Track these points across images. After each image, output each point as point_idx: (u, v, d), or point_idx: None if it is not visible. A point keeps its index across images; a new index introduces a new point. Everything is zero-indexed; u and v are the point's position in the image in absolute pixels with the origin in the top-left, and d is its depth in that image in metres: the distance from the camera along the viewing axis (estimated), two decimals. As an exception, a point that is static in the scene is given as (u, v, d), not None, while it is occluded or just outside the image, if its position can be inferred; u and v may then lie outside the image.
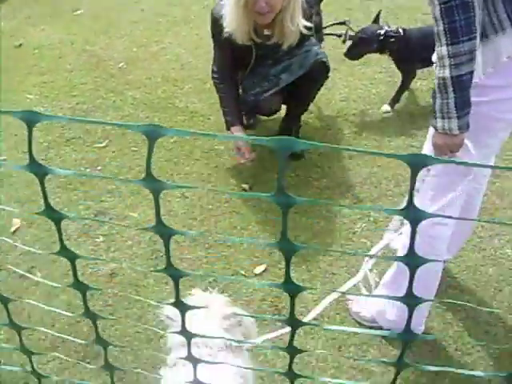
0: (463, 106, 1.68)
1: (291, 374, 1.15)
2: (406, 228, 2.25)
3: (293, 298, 1.03)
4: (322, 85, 3.26)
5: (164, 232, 1.02)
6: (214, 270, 2.74)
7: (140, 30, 4.79)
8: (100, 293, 2.65)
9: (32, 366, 1.48)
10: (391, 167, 3.27)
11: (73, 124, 3.73)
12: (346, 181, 3.21)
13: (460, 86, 1.65)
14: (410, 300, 1.00)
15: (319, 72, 3.14)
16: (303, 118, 3.46)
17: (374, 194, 3.12)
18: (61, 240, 1.09)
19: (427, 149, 1.96)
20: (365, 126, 3.60)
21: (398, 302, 2.25)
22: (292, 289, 1.02)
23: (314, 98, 3.35)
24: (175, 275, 1.10)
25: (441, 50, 1.63)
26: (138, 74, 4.22)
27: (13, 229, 3.02)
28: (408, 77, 3.69)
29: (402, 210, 0.83)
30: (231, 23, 2.92)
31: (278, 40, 2.98)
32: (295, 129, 3.42)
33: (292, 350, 1.12)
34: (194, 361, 1.21)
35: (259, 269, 2.72)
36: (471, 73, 1.63)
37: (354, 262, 2.73)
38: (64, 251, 1.10)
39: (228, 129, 3.18)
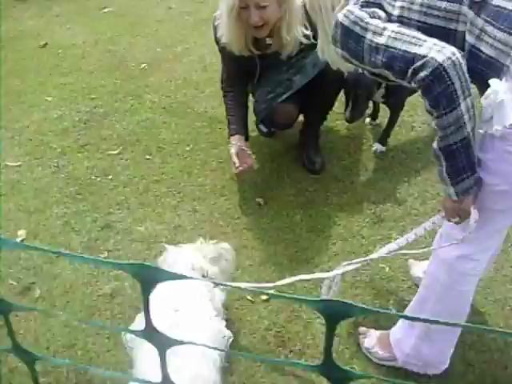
0: (457, 173, 1.66)
1: None
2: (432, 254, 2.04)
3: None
4: (339, 88, 3.03)
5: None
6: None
7: (166, 29, 4.63)
8: (99, 314, 2.52)
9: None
10: (417, 183, 3.03)
11: (88, 129, 3.61)
12: (369, 197, 2.98)
13: (450, 156, 1.64)
14: None
15: (335, 71, 2.86)
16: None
17: (398, 213, 2.88)
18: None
19: None
20: (393, 135, 3.35)
21: (416, 334, 2.07)
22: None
23: (333, 104, 3.12)
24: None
25: (432, 123, 1.64)
26: (159, 76, 4.06)
27: (18, 240, 2.92)
28: (396, 111, 3.24)
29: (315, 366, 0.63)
30: (226, 35, 2.79)
31: (276, 49, 2.84)
32: (315, 140, 3.20)
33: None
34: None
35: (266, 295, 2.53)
36: (462, 140, 1.60)
37: (370, 290, 2.52)
38: None
39: (229, 136, 3.03)
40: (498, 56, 1.56)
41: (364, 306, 0.71)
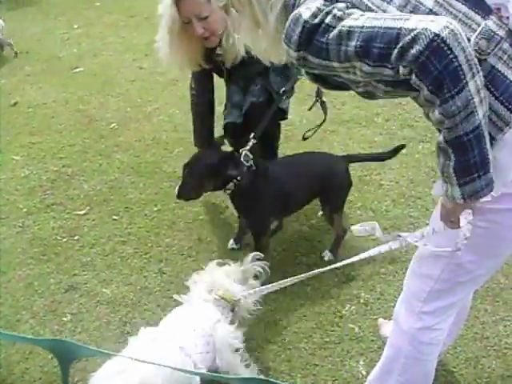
0: (468, 171, 1.37)
1: None
2: (395, 318, 2.00)
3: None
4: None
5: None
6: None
7: (137, 88, 4.68)
8: (59, 381, 2.43)
9: None
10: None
11: (55, 189, 3.57)
12: (338, 257, 2.96)
13: (461, 150, 1.35)
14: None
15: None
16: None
17: (367, 272, 2.87)
18: None
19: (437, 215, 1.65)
20: (361, 193, 3.38)
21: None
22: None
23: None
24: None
25: (433, 115, 1.35)
26: (128, 135, 4.07)
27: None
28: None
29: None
30: (171, 56, 2.74)
31: (228, 60, 2.85)
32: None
33: None
34: None
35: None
36: (476, 129, 1.31)
37: (339, 351, 2.47)
38: None
39: (195, 145, 3.25)
40: (488, 126, 1.39)
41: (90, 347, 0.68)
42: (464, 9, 1.38)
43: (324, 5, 1.38)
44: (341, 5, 1.38)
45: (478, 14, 1.39)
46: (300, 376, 2.39)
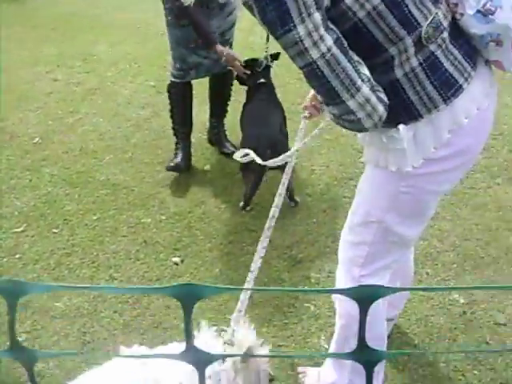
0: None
1: None
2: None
3: None
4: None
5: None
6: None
7: (55, 101, 4.58)
8: (26, 400, 2.38)
9: None
10: (326, 222, 3.17)
11: (-15, 210, 3.47)
12: (283, 242, 3.07)
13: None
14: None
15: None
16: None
17: (313, 253, 2.99)
18: None
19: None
20: (296, 181, 3.50)
21: (348, 371, 2.14)
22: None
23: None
24: None
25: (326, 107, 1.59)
26: (54, 148, 3.99)
27: None
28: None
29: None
30: None
31: None
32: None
33: None
34: None
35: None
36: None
37: (300, 329, 2.58)
38: None
39: (210, 46, 3.30)
40: (419, 105, 1.58)
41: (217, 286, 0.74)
42: None
43: None
44: None
45: (431, 3, 1.54)
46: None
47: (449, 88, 1.58)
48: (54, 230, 3.27)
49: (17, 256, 3.11)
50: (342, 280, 2.04)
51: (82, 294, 2.84)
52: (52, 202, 3.50)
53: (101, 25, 5.90)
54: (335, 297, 2.18)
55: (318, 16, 1.39)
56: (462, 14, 1.57)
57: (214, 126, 3.88)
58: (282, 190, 2.03)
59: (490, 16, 1.55)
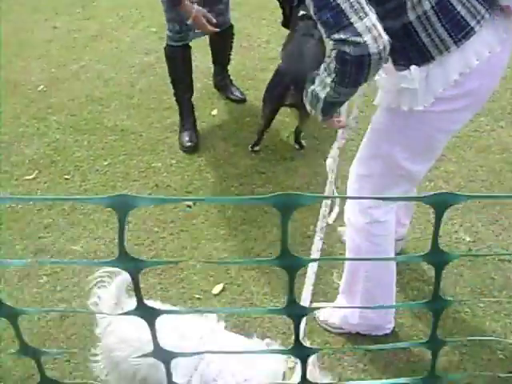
0: (328, 111, 1.78)
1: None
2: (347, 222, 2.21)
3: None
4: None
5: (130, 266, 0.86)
6: (170, 295, 2.61)
7: (56, 48, 4.54)
8: (52, 339, 2.48)
9: None
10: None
11: (-5, 158, 3.50)
12: (292, 183, 3.13)
13: (330, 105, 1.73)
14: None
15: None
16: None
17: (322, 193, 3.05)
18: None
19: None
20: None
21: (358, 303, 2.25)
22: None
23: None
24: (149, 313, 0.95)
25: (326, 77, 1.63)
26: (59, 95, 4.00)
27: None
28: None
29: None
30: None
31: None
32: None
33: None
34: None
35: (217, 288, 2.61)
36: (335, 105, 1.75)
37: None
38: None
39: (177, 5, 2.93)
40: (431, 47, 1.65)
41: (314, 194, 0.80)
42: None
43: None
44: None
45: None
46: (282, 295, 2.57)
47: (460, 30, 1.64)
48: (66, 177, 3.32)
49: (30, 202, 3.16)
50: (351, 212, 2.14)
51: (98, 237, 2.92)
52: (61, 148, 3.53)
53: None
54: (346, 231, 2.28)
55: None
56: None
57: (218, 73, 3.86)
58: (331, 177, 2.20)
59: None
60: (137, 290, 0.84)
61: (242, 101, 3.79)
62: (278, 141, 3.46)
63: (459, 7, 1.62)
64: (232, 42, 3.72)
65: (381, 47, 1.50)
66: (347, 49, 1.51)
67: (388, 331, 2.37)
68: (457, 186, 3.07)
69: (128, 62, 4.28)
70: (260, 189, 3.12)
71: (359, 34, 1.48)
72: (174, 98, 3.53)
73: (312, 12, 1.58)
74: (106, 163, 3.39)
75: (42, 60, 4.41)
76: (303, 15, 3.22)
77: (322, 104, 1.72)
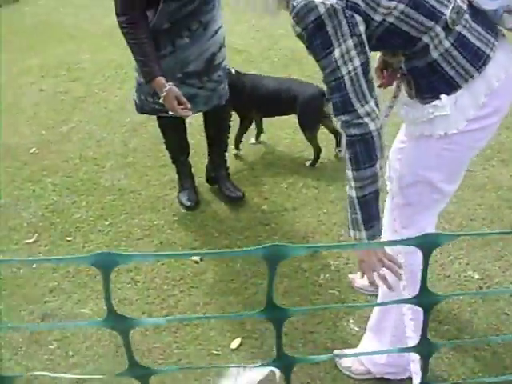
0: (369, 220, 1.84)
1: None
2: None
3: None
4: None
5: (119, 326, 0.86)
6: (188, 353, 2.57)
7: (44, 111, 4.56)
8: (69, 406, 2.41)
9: None
10: (336, 212, 3.27)
11: (-7, 223, 3.45)
12: (297, 233, 3.16)
13: (365, 205, 1.83)
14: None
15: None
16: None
17: (329, 241, 3.08)
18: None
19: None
20: (300, 174, 3.59)
21: (387, 342, 2.24)
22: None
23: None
24: (141, 374, 0.95)
25: (348, 172, 1.81)
26: (52, 157, 3.99)
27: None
28: (243, 122, 3.76)
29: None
30: None
31: None
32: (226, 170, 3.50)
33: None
34: None
35: (235, 343, 2.58)
36: (375, 192, 1.83)
37: (329, 315, 2.66)
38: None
39: (149, 81, 2.76)
40: (456, 77, 1.84)
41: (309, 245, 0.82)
42: None
43: (337, 3, 1.68)
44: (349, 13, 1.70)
45: None
46: (301, 345, 2.55)
47: (479, 59, 1.85)
48: (68, 238, 3.28)
49: (33, 266, 3.11)
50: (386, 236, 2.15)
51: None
52: (60, 210, 3.50)
53: (81, 34, 5.88)
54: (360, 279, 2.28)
55: (350, 42, 1.71)
56: None
57: (212, 160, 3.52)
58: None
59: None
60: (128, 349, 0.83)
61: (238, 199, 3.42)
62: (278, 192, 3.49)
63: (474, 40, 1.84)
64: (229, 124, 3.48)
65: (378, 126, 1.77)
66: (352, 131, 1.77)
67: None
68: (459, 225, 3.13)
69: (119, 122, 4.31)
70: (267, 241, 3.12)
71: (360, 117, 1.75)
72: (171, 160, 3.50)
73: (326, 89, 1.86)
74: (107, 223, 3.36)
75: (31, 123, 4.42)
76: None
77: (358, 209, 1.82)
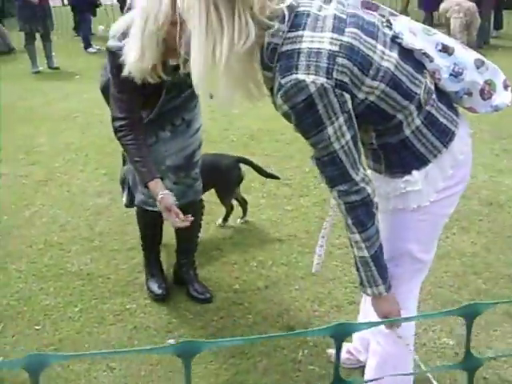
0: (384, 272, 1.95)
1: None
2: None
3: None
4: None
5: None
6: None
7: (5, 195, 4.51)
8: None
9: None
10: (308, 287, 3.31)
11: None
12: (271, 311, 3.17)
13: (377, 259, 1.92)
14: None
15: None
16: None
17: (304, 319, 3.11)
18: None
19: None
20: (267, 252, 3.63)
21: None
22: None
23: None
24: None
25: (354, 236, 1.89)
26: (16, 243, 3.92)
27: None
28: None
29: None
30: (139, 59, 2.45)
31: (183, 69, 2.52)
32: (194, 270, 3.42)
33: None
34: None
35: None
36: (381, 245, 1.92)
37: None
38: None
39: (145, 185, 2.72)
40: (426, 153, 1.96)
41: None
42: (411, 71, 1.91)
43: (327, 83, 1.70)
44: (338, 92, 1.74)
45: (420, 75, 1.94)
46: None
47: (446, 135, 1.99)
48: (36, 327, 3.18)
49: (0, 359, 3.00)
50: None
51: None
52: (26, 298, 3.41)
53: (37, 117, 5.92)
54: (372, 333, 2.34)
55: (341, 119, 1.77)
56: (439, 79, 1.98)
57: (180, 259, 3.42)
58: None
59: (459, 76, 1.98)
60: None
61: (206, 301, 3.29)
62: (248, 271, 3.52)
63: (441, 118, 1.97)
64: (200, 221, 3.39)
65: (373, 187, 1.88)
66: (352, 197, 1.84)
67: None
68: (428, 293, 3.22)
69: (82, 205, 4.30)
70: (241, 320, 3.13)
71: (357, 184, 1.84)
72: (141, 247, 3.43)
73: (315, 163, 1.87)
74: (77, 309, 3.29)
75: (-8, 207, 4.35)
76: None
77: (372, 265, 1.91)
